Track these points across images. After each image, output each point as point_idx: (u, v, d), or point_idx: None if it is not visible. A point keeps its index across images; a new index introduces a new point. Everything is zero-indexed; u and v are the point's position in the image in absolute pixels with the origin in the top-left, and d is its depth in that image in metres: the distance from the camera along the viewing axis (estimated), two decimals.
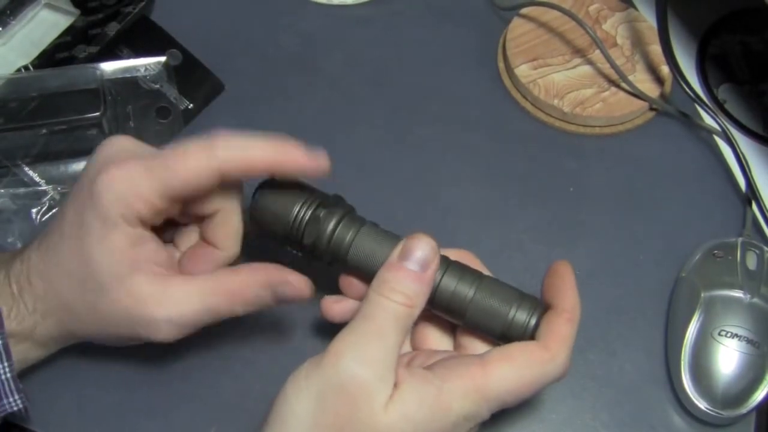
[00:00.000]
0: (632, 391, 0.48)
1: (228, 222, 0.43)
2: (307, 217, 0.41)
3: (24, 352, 0.42)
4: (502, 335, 0.40)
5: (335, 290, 0.43)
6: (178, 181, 0.39)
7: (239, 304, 0.41)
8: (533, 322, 0.39)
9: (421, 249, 0.39)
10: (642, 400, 0.48)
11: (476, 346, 0.41)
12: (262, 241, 0.44)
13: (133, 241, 0.40)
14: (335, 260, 0.42)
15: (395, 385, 0.36)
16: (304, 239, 0.41)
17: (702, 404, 0.46)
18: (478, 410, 0.37)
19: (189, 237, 0.45)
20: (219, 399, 0.47)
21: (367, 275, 0.41)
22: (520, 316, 0.39)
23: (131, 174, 0.39)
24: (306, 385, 0.36)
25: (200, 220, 0.44)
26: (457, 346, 0.42)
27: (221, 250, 0.43)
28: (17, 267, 0.42)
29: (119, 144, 0.42)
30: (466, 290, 0.40)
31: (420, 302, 0.39)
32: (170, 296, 0.40)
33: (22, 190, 0.53)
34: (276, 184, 0.42)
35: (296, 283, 0.41)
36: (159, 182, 0.39)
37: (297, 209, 0.41)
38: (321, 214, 0.41)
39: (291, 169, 0.40)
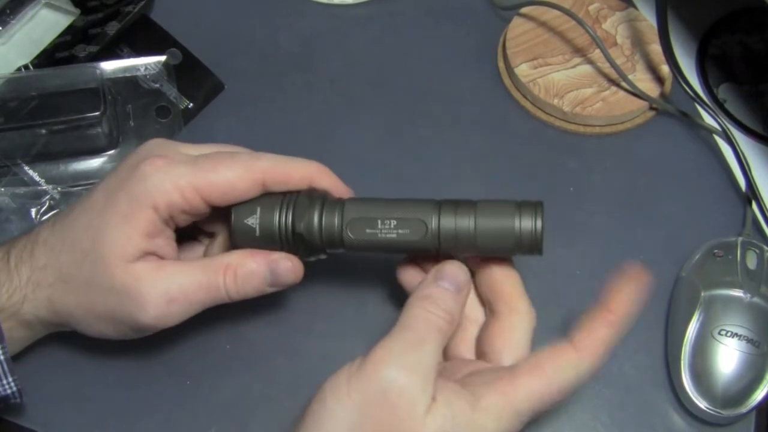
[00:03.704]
0: (632, 391, 0.48)
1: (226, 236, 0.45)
2: (290, 218, 0.41)
3: (8, 331, 0.42)
4: (516, 249, 0.41)
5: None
6: (222, 183, 0.41)
7: (232, 280, 0.41)
8: (539, 224, 0.40)
9: (456, 273, 0.41)
10: (642, 400, 0.48)
11: (496, 352, 0.41)
12: None
13: (152, 231, 0.41)
14: (332, 245, 0.42)
15: (432, 398, 0.36)
16: (297, 230, 0.41)
17: (702, 404, 0.46)
18: (512, 426, 0.37)
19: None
20: (219, 399, 0.47)
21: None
22: (526, 224, 0.40)
23: (176, 165, 0.41)
24: (347, 392, 0.36)
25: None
26: (479, 354, 0.42)
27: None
28: (21, 242, 0.43)
29: (161, 142, 0.43)
30: (467, 222, 0.40)
31: (457, 320, 0.40)
32: (167, 272, 0.41)
33: (21, 189, 0.53)
34: (246, 209, 0.42)
35: (292, 260, 0.42)
36: (202, 180, 0.40)
37: (276, 217, 0.41)
38: (302, 206, 0.41)
39: (323, 184, 0.43)
